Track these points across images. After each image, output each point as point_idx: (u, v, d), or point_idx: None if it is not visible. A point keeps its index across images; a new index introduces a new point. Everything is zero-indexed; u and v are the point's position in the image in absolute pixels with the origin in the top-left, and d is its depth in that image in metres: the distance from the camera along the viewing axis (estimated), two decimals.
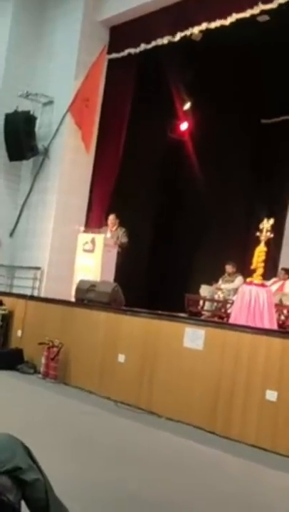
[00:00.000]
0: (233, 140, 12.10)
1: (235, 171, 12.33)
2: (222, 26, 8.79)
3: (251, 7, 8.39)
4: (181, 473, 4.53)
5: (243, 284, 7.93)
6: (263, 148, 12.52)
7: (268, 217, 7.54)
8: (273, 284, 9.07)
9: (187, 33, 9.38)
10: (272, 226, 7.41)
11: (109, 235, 9.65)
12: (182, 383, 6.38)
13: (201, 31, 9.27)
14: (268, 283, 8.16)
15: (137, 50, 10.20)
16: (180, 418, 6.19)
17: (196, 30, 9.27)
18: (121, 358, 7.10)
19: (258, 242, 7.46)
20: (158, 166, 12.05)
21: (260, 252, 7.38)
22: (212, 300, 9.41)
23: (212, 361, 6.15)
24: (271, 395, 5.51)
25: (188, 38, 9.54)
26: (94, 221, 10.63)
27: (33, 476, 2.48)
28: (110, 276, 9.04)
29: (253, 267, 7.48)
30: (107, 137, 10.79)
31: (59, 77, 10.83)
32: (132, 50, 10.30)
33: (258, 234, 7.45)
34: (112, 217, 9.91)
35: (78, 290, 8.34)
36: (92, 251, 9.29)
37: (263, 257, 7.39)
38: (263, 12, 8.45)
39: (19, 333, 8.82)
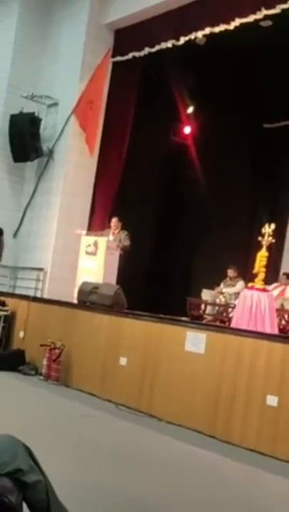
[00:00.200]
0: (235, 144, 12.12)
1: (238, 175, 12.34)
2: (226, 31, 8.84)
3: (254, 12, 8.44)
4: (180, 477, 4.54)
5: (244, 289, 7.95)
6: (265, 153, 12.54)
7: (270, 222, 7.57)
8: (275, 289, 9.09)
9: (191, 37, 9.43)
10: (274, 231, 7.43)
11: (111, 237, 9.68)
12: (183, 387, 6.40)
13: (204, 35, 9.32)
14: (270, 288, 8.19)
15: (141, 53, 10.25)
16: (181, 422, 6.21)
17: (199, 34, 9.32)
18: (122, 360, 7.12)
19: (259, 246, 7.48)
20: (160, 169, 12.07)
21: (261, 257, 7.40)
22: (214, 304, 9.42)
23: (213, 365, 6.17)
24: (272, 400, 5.52)
25: (192, 42, 9.58)
26: (97, 223, 10.67)
27: (34, 477, 2.50)
28: (112, 279, 9.07)
29: (254, 271, 7.50)
30: (111, 140, 10.83)
31: (64, 79, 10.87)
32: (136, 54, 10.35)
33: (259, 239, 7.48)
34: (114, 220, 9.94)
35: (81, 292, 8.37)
36: (94, 253, 9.33)
37: (264, 262, 7.41)
38: (266, 17, 8.49)
39: (21, 334, 8.84)
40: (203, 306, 9.42)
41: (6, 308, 9.09)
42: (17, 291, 10.42)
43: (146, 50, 10.10)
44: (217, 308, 9.39)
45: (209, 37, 9.30)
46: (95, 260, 9.33)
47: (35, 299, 9.20)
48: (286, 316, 8.31)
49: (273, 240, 7.43)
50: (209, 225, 11.97)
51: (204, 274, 11.00)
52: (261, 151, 12.53)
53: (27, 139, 10.74)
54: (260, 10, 8.29)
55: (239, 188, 12.33)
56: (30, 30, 11.40)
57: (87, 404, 6.79)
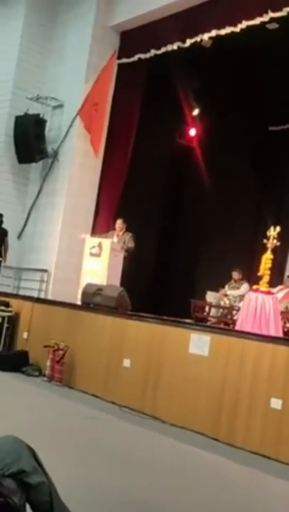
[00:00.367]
0: (240, 146, 12.12)
1: (242, 177, 12.33)
2: (232, 33, 8.84)
3: (261, 15, 8.44)
4: (184, 479, 4.53)
5: (249, 291, 7.94)
6: (270, 155, 12.51)
7: (275, 225, 7.55)
8: (279, 292, 9.05)
9: (197, 39, 9.43)
10: (279, 234, 7.41)
11: (116, 239, 9.69)
12: (187, 389, 6.38)
13: (210, 38, 9.32)
14: (274, 290, 8.16)
15: (147, 55, 10.27)
16: (184, 424, 6.19)
17: (206, 36, 9.31)
18: (126, 362, 7.11)
19: (264, 249, 7.47)
20: (165, 171, 12.08)
21: (266, 260, 7.38)
22: (218, 306, 9.41)
23: (217, 368, 6.15)
24: (276, 403, 5.50)
25: (198, 44, 9.58)
26: (101, 225, 10.67)
27: (37, 479, 2.50)
28: (116, 281, 9.07)
29: (259, 274, 7.49)
30: (116, 142, 10.83)
31: (69, 81, 10.89)
32: (142, 56, 10.36)
33: (264, 241, 7.46)
34: (119, 222, 9.94)
35: (84, 294, 8.37)
36: (98, 255, 9.34)
37: (269, 265, 7.39)
38: (272, 20, 8.49)
39: (25, 335, 8.84)
40: (207, 309, 9.41)
41: (9, 309, 9.09)
42: (21, 292, 10.43)
43: (152, 52, 10.11)
44: (221, 310, 9.38)
45: (215, 39, 9.30)
46: (99, 262, 9.33)
47: (39, 300, 9.20)
48: None
49: (278, 243, 7.41)
50: (214, 228, 11.96)
51: (209, 276, 10.99)
52: (266, 153, 12.50)
53: (32, 141, 10.77)
54: (266, 12, 8.30)
55: (244, 190, 12.32)
56: (35, 32, 11.43)
57: (90, 406, 6.78)
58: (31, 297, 9.36)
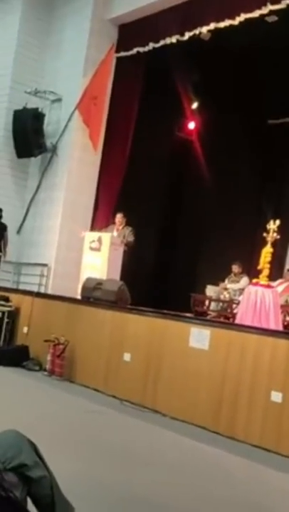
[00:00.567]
0: (239, 140, 12.08)
1: (242, 170, 12.31)
2: (231, 26, 8.81)
3: (260, 7, 8.41)
4: (184, 473, 4.54)
5: (249, 285, 7.93)
6: (270, 148, 12.50)
7: (275, 219, 7.54)
8: (279, 285, 9.05)
9: (196, 32, 9.39)
10: (279, 227, 7.40)
11: (115, 233, 9.67)
12: (187, 383, 6.39)
13: (209, 31, 9.28)
14: (274, 284, 8.16)
15: (146, 48, 10.22)
16: (185, 418, 6.20)
17: (204, 29, 9.28)
18: (126, 356, 7.12)
19: (264, 243, 7.46)
20: (164, 165, 12.05)
21: (266, 253, 7.38)
22: (218, 300, 9.41)
23: (217, 361, 6.16)
24: (276, 396, 5.51)
25: (197, 37, 9.54)
26: (100, 219, 10.66)
27: (39, 473, 2.50)
28: (116, 275, 9.06)
29: (259, 267, 7.49)
30: (115, 136, 10.81)
31: (67, 75, 10.85)
32: (141, 49, 10.31)
33: (264, 235, 7.46)
34: (119, 216, 9.92)
35: (84, 288, 8.36)
36: (98, 249, 9.32)
37: (269, 258, 7.39)
38: (271, 12, 8.45)
39: (25, 329, 8.85)
40: (207, 302, 9.41)
41: (9, 303, 9.10)
42: (21, 287, 10.43)
43: (151, 46, 10.06)
44: (221, 304, 9.38)
45: (214, 32, 9.26)
46: (99, 256, 9.32)
47: (39, 295, 9.20)
48: None
49: (278, 236, 7.40)
50: (213, 222, 11.95)
51: (209, 270, 10.99)
52: (266, 147, 12.49)
53: (30, 135, 10.74)
54: (265, 5, 8.27)
55: (244, 183, 12.31)
56: (33, 26, 11.39)
57: (91, 400, 6.79)
58: (31, 292, 9.36)
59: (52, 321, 8.42)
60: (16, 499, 2.38)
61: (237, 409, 5.86)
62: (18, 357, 8.32)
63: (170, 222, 12.19)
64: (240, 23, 8.65)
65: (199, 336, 6.39)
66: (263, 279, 7.36)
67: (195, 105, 12.11)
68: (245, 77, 10.93)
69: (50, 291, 9.95)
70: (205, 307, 9.30)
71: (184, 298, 9.11)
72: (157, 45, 9.97)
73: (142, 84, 10.73)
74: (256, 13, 8.47)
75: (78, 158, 10.65)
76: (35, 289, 9.91)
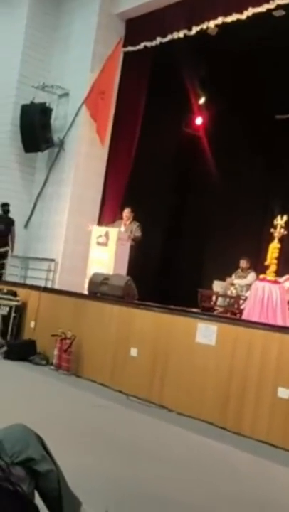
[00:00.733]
0: (247, 135, 12.05)
1: (249, 166, 12.27)
2: (238, 21, 8.78)
3: (267, 1, 8.38)
4: (191, 469, 4.54)
5: (256, 281, 7.93)
6: (278, 143, 12.44)
7: (282, 214, 7.53)
8: (287, 281, 9.02)
9: (203, 27, 9.37)
10: (286, 223, 7.39)
11: (123, 228, 9.67)
12: (194, 378, 6.39)
13: (216, 25, 9.25)
14: (281, 280, 8.14)
15: (153, 43, 10.23)
16: (191, 413, 6.20)
17: (211, 24, 9.25)
18: (133, 351, 7.12)
19: (271, 238, 7.45)
20: (172, 160, 12.04)
21: (273, 249, 7.37)
22: (225, 296, 9.40)
23: (224, 357, 6.15)
24: (283, 392, 5.50)
25: (204, 32, 9.51)
26: (108, 214, 10.67)
27: (46, 466, 2.50)
28: (123, 270, 9.07)
29: (266, 263, 7.48)
30: (122, 130, 10.80)
31: (75, 69, 10.85)
32: (148, 44, 10.31)
33: (271, 230, 7.44)
34: (127, 211, 9.92)
35: (91, 283, 8.37)
36: (105, 244, 9.32)
37: (276, 254, 7.38)
38: (278, 7, 8.42)
39: (32, 324, 8.87)
40: (214, 298, 9.40)
41: (17, 298, 9.11)
42: (28, 282, 10.46)
43: (158, 40, 10.07)
44: (228, 299, 9.37)
45: (221, 27, 9.23)
46: (106, 251, 9.32)
47: (46, 290, 9.21)
48: None
49: (285, 232, 7.40)
50: (221, 216, 11.93)
51: (216, 265, 10.98)
52: (273, 142, 12.43)
53: (38, 130, 10.76)
54: None
55: (251, 179, 12.27)
56: (40, 20, 11.40)
57: (98, 395, 6.80)
58: (38, 286, 9.37)
59: (59, 315, 8.43)
60: (24, 493, 2.38)
61: (244, 404, 5.85)
62: (25, 351, 8.34)
63: (177, 217, 12.19)
64: (248, 17, 8.64)
65: (206, 332, 6.38)
66: (270, 275, 7.35)
67: (202, 100, 12.08)
68: (252, 72, 10.88)
69: (57, 286, 9.98)
70: (212, 303, 9.29)
71: (190, 293, 9.11)
72: (165, 40, 9.97)
73: (149, 79, 10.72)
74: (264, 8, 8.45)
75: (85, 153, 10.65)
76: (42, 283, 9.93)
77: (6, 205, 10.67)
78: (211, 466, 4.71)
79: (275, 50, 9.97)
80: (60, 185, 10.79)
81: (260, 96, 11.45)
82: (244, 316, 7.51)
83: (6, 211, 10.69)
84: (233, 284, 9.51)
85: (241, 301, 8.75)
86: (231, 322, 6.66)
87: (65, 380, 7.47)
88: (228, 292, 9.45)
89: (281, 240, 7.42)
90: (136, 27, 10.68)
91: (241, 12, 8.69)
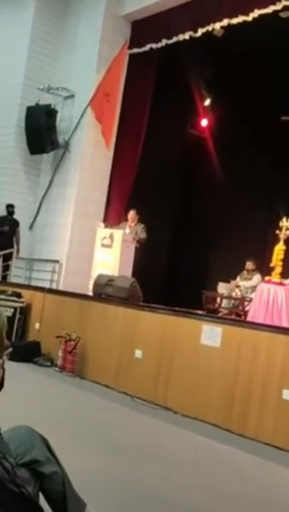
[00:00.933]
0: (252, 137, 12.04)
1: (255, 168, 12.26)
2: (244, 22, 8.77)
3: (273, 3, 8.38)
4: (196, 471, 4.53)
5: (261, 283, 7.91)
6: (283, 145, 12.42)
7: (287, 216, 7.51)
8: None
9: (209, 28, 9.37)
10: None
11: (128, 230, 9.66)
12: (199, 380, 6.38)
13: (222, 27, 9.25)
14: (287, 281, 8.12)
15: (159, 45, 10.23)
16: (196, 415, 6.19)
17: (217, 26, 9.25)
18: (138, 353, 7.11)
19: (277, 240, 7.44)
20: (177, 162, 12.04)
21: (279, 251, 7.36)
22: (230, 297, 9.38)
23: (229, 359, 6.14)
24: (288, 395, 5.48)
25: (210, 33, 9.51)
26: (113, 216, 10.67)
27: (51, 468, 2.50)
28: (128, 272, 9.06)
29: (271, 265, 7.46)
30: (127, 132, 10.81)
31: (80, 71, 10.87)
32: (154, 45, 10.31)
33: (277, 232, 7.43)
34: (132, 213, 9.91)
35: (96, 284, 8.37)
36: (110, 246, 9.32)
37: (281, 256, 7.37)
38: (285, 8, 8.41)
39: (37, 325, 8.87)
40: (219, 300, 9.38)
41: (21, 299, 9.12)
42: (33, 283, 10.46)
43: (164, 42, 10.08)
44: (233, 301, 9.35)
45: (227, 29, 9.23)
46: (111, 253, 9.32)
47: (50, 291, 9.22)
48: None
49: None
50: (225, 218, 11.92)
51: (220, 267, 10.96)
52: (279, 144, 12.42)
53: (43, 131, 10.77)
54: (279, 0, 8.22)
55: (256, 180, 12.25)
56: (46, 22, 11.42)
57: (102, 397, 6.80)
58: (43, 288, 9.37)
59: (63, 317, 8.44)
60: (29, 495, 2.37)
61: (249, 407, 5.83)
62: (29, 353, 8.34)
63: (182, 220, 12.18)
64: (254, 19, 8.62)
65: (211, 334, 6.36)
66: (275, 277, 7.34)
67: (207, 102, 12.08)
68: (258, 74, 10.88)
69: (61, 288, 9.98)
70: (217, 304, 9.27)
71: (195, 295, 9.09)
72: (170, 42, 9.97)
73: (155, 81, 10.73)
74: (270, 9, 8.45)
75: (91, 155, 10.66)
76: (46, 285, 9.94)
77: (11, 206, 10.69)
78: (216, 468, 4.70)
79: (281, 52, 9.96)
80: (65, 187, 10.80)
81: (265, 97, 11.45)
82: (249, 318, 7.49)
83: (11, 213, 10.71)
84: (238, 286, 9.49)
85: (246, 303, 8.73)
86: (236, 324, 6.64)
87: (70, 382, 7.47)
88: (233, 294, 9.43)
89: (286, 241, 7.41)
90: (141, 29, 10.69)
91: (247, 13, 8.68)
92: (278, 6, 8.36)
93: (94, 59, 10.66)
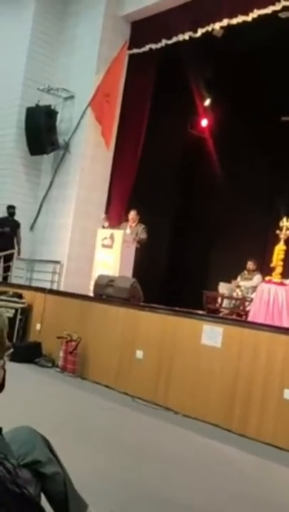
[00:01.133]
0: (252, 137, 12.05)
1: (255, 168, 12.27)
2: (243, 23, 8.78)
3: (273, 3, 8.40)
4: (196, 471, 4.53)
5: (262, 283, 7.91)
6: (283, 145, 12.43)
7: (288, 216, 7.51)
8: None
9: (208, 28, 9.38)
10: None
11: (128, 230, 9.67)
12: (199, 380, 6.38)
13: (222, 27, 9.26)
14: (287, 282, 8.13)
15: (158, 45, 10.24)
16: (197, 415, 6.20)
17: (217, 26, 9.26)
18: (139, 354, 7.12)
19: (277, 240, 7.44)
20: (177, 162, 12.05)
21: (279, 251, 7.36)
22: (230, 297, 9.39)
23: (230, 359, 6.14)
24: None
25: (210, 34, 9.52)
26: (113, 216, 10.66)
27: (52, 469, 2.50)
28: (128, 272, 9.06)
29: (272, 265, 7.46)
30: (127, 133, 10.82)
31: (80, 72, 10.88)
32: (153, 46, 10.33)
33: (277, 232, 7.43)
34: (133, 213, 9.91)
35: (97, 285, 8.37)
36: (110, 246, 9.33)
37: (282, 256, 7.37)
38: (284, 8, 8.42)
39: (38, 326, 8.88)
40: (219, 300, 9.39)
41: (22, 300, 9.13)
42: (33, 284, 10.47)
43: (164, 42, 10.09)
44: (234, 301, 9.35)
45: (227, 29, 9.24)
46: (111, 253, 9.33)
47: (51, 292, 9.22)
48: None
49: None
50: (226, 219, 11.92)
51: (221, 267, 10.97)
52: (279, 144, 12.42)
53: (43, 132, 10.78)
54: (279, 1, 8.24)
55: (256, 180, 12.26)
56: (46, 22, 11.44)
57: (103, 397, 6.80)
58: (44, 289, 9.38)
59: (64, 318, 8.44)
60: (30, 495, 2.38)
61: (249, 407, 5.84)
62: (30, 353, 8.35)
63: (182, 220, 12.18)
64: (254, 19, 8.63)
65: (212, 334, 6.37)
66: (275, 277, 7.34)
67: (207, 102, 12.08)
68: (257, 74, 10.88)
69: (62, 288, 9.99)
70: (217, 304, 9.28)
71: (196, 295, 9.10)
72: (170, 42, 9.98)
73: (155, 82, 10.74)
74: (269, 9, 8.46)
75: (91, 156, 10.67)
76: (47, 285, 9.95)
77: (11, 207, 10.70)
78: (217, 468, 4.70)
79: (281, 52, 9.97)
80: (65, 188, 10.81)
81: (265, 97, 11.46)
82: (250, 318, 7.50)
83: (12, 214, 10.72)
84: (238, 286, 9.50)
85: (247, 303, 8.74)
86: (237, 324, 6.64)
87: (71, 382, 7.47)
88: (234, 294, 9.44)
89: (287, 241, 7.41)
90: (141, 29, 10.70)
91: (247, 14, 8.69)
92: (278, 7, 8.38)
93: (94, 59, 10.67)
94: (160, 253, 11.69)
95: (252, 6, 8.64)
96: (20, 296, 9.20)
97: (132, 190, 10.77)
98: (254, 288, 8.82)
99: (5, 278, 10.54)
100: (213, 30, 9.43)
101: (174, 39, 9.93)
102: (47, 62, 11.44)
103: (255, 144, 12.16)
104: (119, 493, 3.65)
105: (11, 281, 10.36)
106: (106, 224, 9.70)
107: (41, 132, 10.78)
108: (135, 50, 10.73)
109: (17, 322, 8.88)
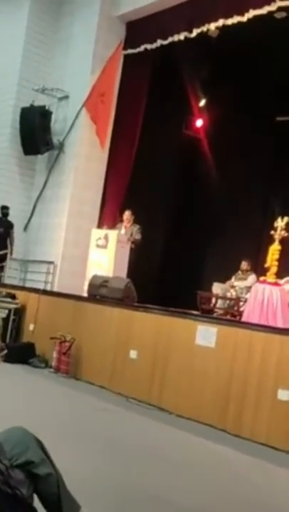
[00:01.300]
0: (247, 137, 12.03)
1: (250, 168, 12.25)
2: (239, 23, 8.78)
3: (268, 3, 8.40)
4: (191, 471, 4.52)
5: (256, 283, 7.91)
6: (278, 145, 12.44)
7: (283, 216, 7.51)
8: (287, 283, 9.01)
9: (204, 29, 9.37)
10: (287, 224, 7.37)
11: (123, 231, 9.65)
12: (194, 381, 6.37)
13: (217, 28, 9.26)
14: (282, 282, 8.13)
15: (153, 45, 10.22)
16: (191, 415, 6.19)
17: (212, 26, 9.26)
18: (133, 354, 7.10)
19: (272, 240, 7.44)
20: (172, 162, 12.02)
21: (274, 251, 7.35)
22: (225, 298, 9.38)
23: (224, 359, 6.13)
24: (283, 394, 5.48)
25: (205, 34, 9.51)
26: (108, 217, 10.65)
27: (45, 470, 2.48)
28: (123, 273, 9.05)
29: (266, 265, 7.46)
30: (122, 133, 10.80)
31: (75, 72, 10.85)
32: (148, 46, 10.31)
33: (272, 232, 7.43)
34: (127, 214, 9.90)
35: (91, 285, 8.35)
36: (105, 247, 9.31)
37: (276, 256, 7.37)
38: (279, 9, 8.42)
39: (31, 327, 8.85)
40: (214, 300, 9.37)
41: (16, 301, 9.10)
42: (27, 285, 10.44)
43: (159, 43, 10.08)
44: (228, 302, 9.34)
45: (222, 29, 9.24)
46: (106, 254, 9.31)
47: (45, 292, 9.20)
48: None
49: (286, 234, 7.39)
50: (221, 219, 11.91)
51: (215, 267, 10.96)
52: (274, 144, 12.43)
53: (38, 132, 10.75)
54: (274, 1, 8.23)
55: (252, 181, 12.25)
56: (41, 22, 11.40)
57: (97, 397, 6.79)
58: (37, 289, 9.36)
59: (58, 318, 8.42)
60: (23, 496, 2.36)
61: (244, 407, 5.83)
62: (24, 354, 8.32)
63: (177, 220, 12.16)
64: (249, 19, 8.63)
65: (206, 334, 6.36)
66: (270, 277, 7.34)
67: (202, 102, 12.07)
68: (253, 75, 10.89)
69: (56, 289, 9.96)
70: (212, 305, 9.26)
71: (190, 296, 9.08)
72: (165, 42, 9.97)
73: (150, 82, 10.72)
74: (265, 10, 8.45)
75: (85, 155, 10.65)
76: (41, 286, 9.92)
77: (5, 208, 10.66)
78: (211, 469, 4.69)
79: (276, 52, 9.97)
80: (59, 188, 10.78)
81: (260, 98, 11.46)
82: (244, 318, 7.49)
83: (6, 214, 10.68)
84: (233, 286, 9.49)
85: (241, 304, 8.73)
86: (231, 324, 6.64)
87: (64, 383, 7.45)
88: (228, 294, 9.43)
89: (281, 241, 7.40)
90: (136, 29, 10.69)
91: (242, 14, 8.69)
92: (273, 7, 8.37)
93: (89, 59, 10.64)
94: (154, 253, 11.68)
95: (247, 6, 8.64)
96: (13, 297, 9.17)
97: (126, 191, 10.75)
98: (248, 288, 8.82)
99: None
100: (208, 30, 9.42)
101: (170, 39, 9.92)
102: (42, 61, 11.40)
103: (250, 144, 12.15)
104: (111, 493, 3.63)
105: (4, 282, 10.31)
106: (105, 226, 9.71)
107: (35, 132, 10.74)
108: (130, 51, 10.71)
109: (10, 323, 8.86)
